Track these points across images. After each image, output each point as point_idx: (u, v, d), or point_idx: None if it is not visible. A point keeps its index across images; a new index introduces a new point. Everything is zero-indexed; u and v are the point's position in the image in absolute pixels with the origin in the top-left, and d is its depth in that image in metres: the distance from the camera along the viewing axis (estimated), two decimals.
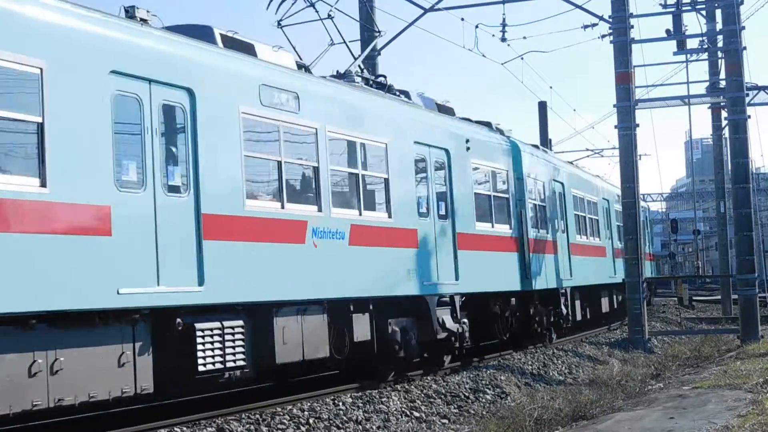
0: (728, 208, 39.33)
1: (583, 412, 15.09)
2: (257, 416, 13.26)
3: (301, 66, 16.59)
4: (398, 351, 17.27)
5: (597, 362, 23.35)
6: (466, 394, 16.90)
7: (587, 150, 57.44)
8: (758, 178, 74.97)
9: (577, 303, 29.09)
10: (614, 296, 35.52)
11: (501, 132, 24.43)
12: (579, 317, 29.21)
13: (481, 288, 20.50)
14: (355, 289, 15.99)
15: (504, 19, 30.31)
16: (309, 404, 14.30)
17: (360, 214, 16.29)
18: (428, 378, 18.03)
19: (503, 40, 30.53)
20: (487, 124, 24.09)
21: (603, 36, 29.49)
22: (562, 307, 26.74)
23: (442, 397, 16.45)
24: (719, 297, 46.39)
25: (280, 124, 14.47)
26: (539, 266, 24.41)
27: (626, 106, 27.06)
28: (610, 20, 27.21)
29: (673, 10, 28.61)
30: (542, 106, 52.53)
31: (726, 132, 32.96)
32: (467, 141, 20.53)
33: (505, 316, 22.77)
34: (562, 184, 28.37)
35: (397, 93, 19.73)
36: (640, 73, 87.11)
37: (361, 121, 16.82)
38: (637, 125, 27.27)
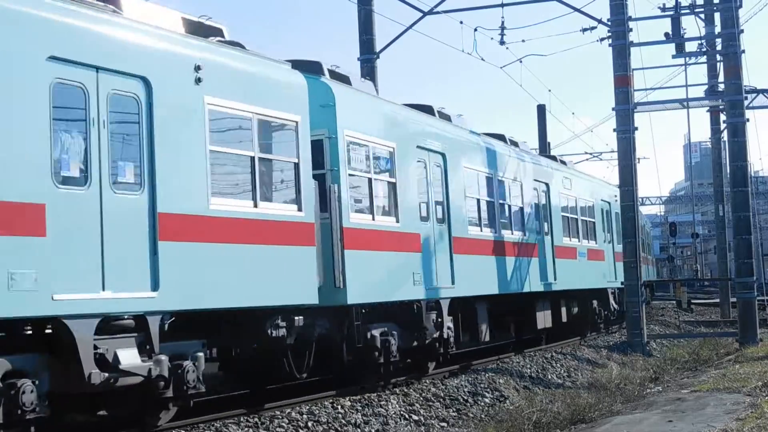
0: (727, 212, 39.37)
1: (582, 416, 15.09)
2: (256, 419, 13.26)
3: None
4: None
5: (596, 365, 23.36)
6: (465, 398, 16.90)
7: (586, 153, 57.38)
8: (757, 182, 74.97)
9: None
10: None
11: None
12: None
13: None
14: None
15: (503, 23, 30.36)
16: (308, 407, 14.30)
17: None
18: (427, 381, 18.03)
19: (502, 43, 30.58)
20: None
21: (602, 39, 29.57)
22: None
23: (441, 400, 16.44)
24: (718, 300, 46.40)
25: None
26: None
27: (625, 109, 27.08)
28: (609, 23, 27.24)
29: (671, 13, 28.66)
30: (541, 110, 52.59)
31: (725, 135, 32.96)
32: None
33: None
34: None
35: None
36: (639, 76, 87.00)
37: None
38: (636, 128, 27.30)
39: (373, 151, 16.90)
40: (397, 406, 15.33)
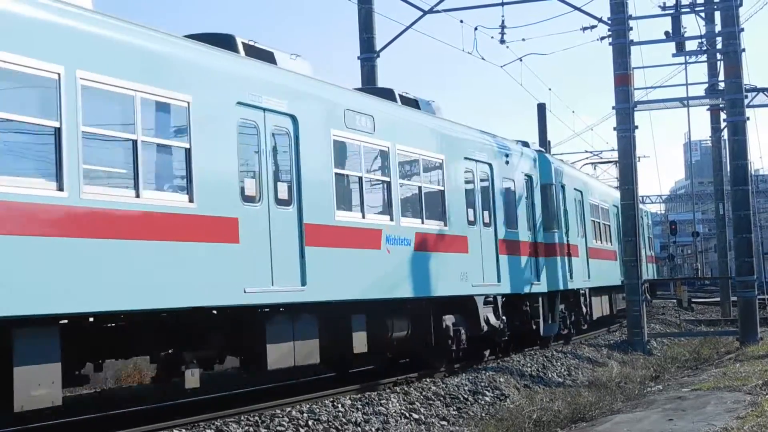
0: (727, 210, 39.39)
1: (582, 414, 15.10)
2: (256, 418, 13.26)
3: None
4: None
5: (596, 364, 23.37)
6: (465, 396, 16.90)
7: (586, 152, 57.37)
8: (757, 180, 75.01)
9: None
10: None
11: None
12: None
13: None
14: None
15: (503, 21, 30.33)
16: (308, 406, 14.30)
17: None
18: (427, 380, 18.04)
19: (502, 42, 30.55)
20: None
21: (602, 38, 29.54)
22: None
23: (441, 399, 16.45)
24: (718, 299, 46.42)
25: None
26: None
27: (625, 107, 27.08)
28: (609, 22, 27.25)
29: (672, 12, 28.67)
30: (541, 108, 52.53)
31: (725, 134, 32.98)
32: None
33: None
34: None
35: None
36: (639, 75, 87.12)
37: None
38: (636, 127, 27.30)
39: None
40: (397, 404, 15.34)
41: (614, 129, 27.62)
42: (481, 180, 20.97)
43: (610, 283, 32.68)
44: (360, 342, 16.35)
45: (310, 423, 13.45)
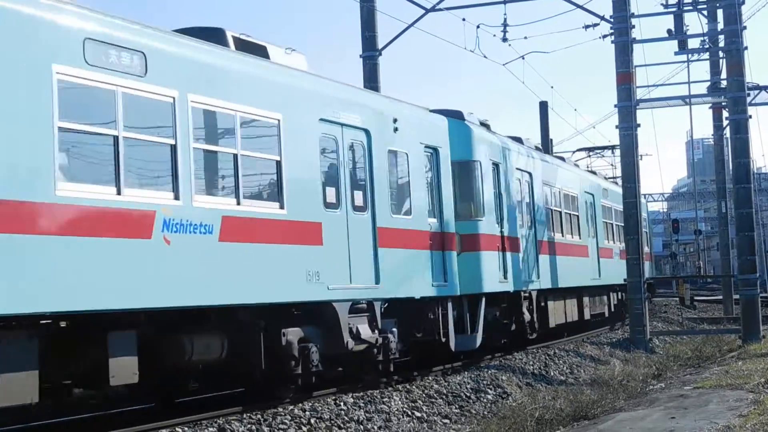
0: (729, 208, 39.40)
1: (585, 412, 15.10)
2: (259, 416, 13.27)
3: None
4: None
5: (598, 362, 23.36)
6: (468, 394, 16.91)
7: (587, 149, 57.32)
8: (759, 178, 74.97)
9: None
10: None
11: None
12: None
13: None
14: None
15: (505, 20, 30.33)
16: (310, 404, 14.31)
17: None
18: (429, 378, 18.05)
19: (504, 40, 30.54)
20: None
21: (604, 36, 29.52)
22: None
23: (444, 397, 16.45)
24: (721, 297, 46.38)
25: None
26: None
27: (627, 106, 27.07)
28: (612, 20, 27.22)
29: (674, 10, 28.64)
30: (543, 106, 52.55)
31: (727, 132, 32.97)
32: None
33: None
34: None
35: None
36: (642, 73, 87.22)
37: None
38: (639, 125, 27.29)
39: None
40: (399, 402, 15.34)
41: (616, 127, 27.61)
42: (351, 150, 16.24)
43: (580, 284, 28.97)
44: (124, 370, 11.67)
45: (312, 421, 13.45)
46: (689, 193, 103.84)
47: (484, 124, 23.62)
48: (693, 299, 48.45)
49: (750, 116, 27.96)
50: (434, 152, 19.01)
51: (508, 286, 22.10)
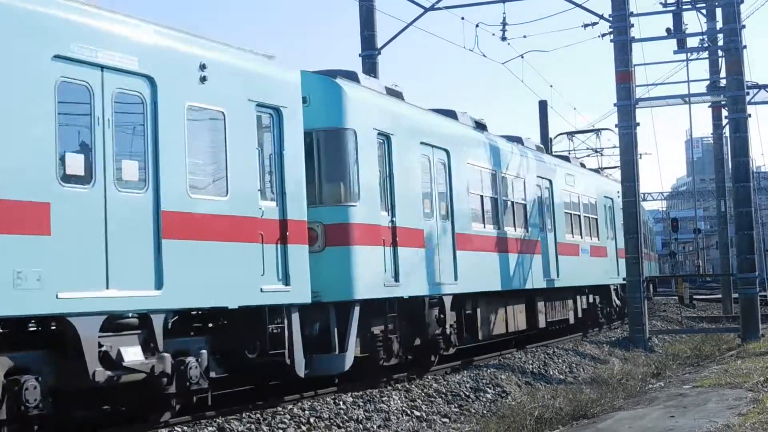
0: (729, 207, 39.36)
1: (584, 411, 15.10)
2: (258, 415, 13.27)
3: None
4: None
5: (597, 361, 23.36)
6: (467, 393, 16.91)
7: (588, 149, 57.26)
8: (759, 177, 74.94)
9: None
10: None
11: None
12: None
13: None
14: None
15: (504, 18, 30.38)
16: (310, 403, 14.31)
17: None
18: (429, 377, 18.04)
19: (503, 39, 30.58)
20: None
21: (603, 35, 29.54)
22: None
23: (443, 396, 16.45)
24: (720, 296, 46.38)
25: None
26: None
27: (627, 105, 27.06)
28: (611, 19, 27.22)
29: (673, 8, 28.65)
30: (542, 105, 52.50)
31: (726, 131, 32.97)
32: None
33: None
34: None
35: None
36: (641, 71, 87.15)
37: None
38: (638, 124, 27.29)
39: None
40: (398, 401, 15.34)
41: (616, 126, 27.64)
42: (122, 103, 11.82)
43: (524, 286, 23.80)
44: None
45: (311, 420, 13.45)
46: (688, 192, 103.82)
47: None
48: (692, 298, 48.48)
49: (749, 115, 27.95)
50: (275, 114, 14.53)
51: (401, 291, 17.22)
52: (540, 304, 25.30)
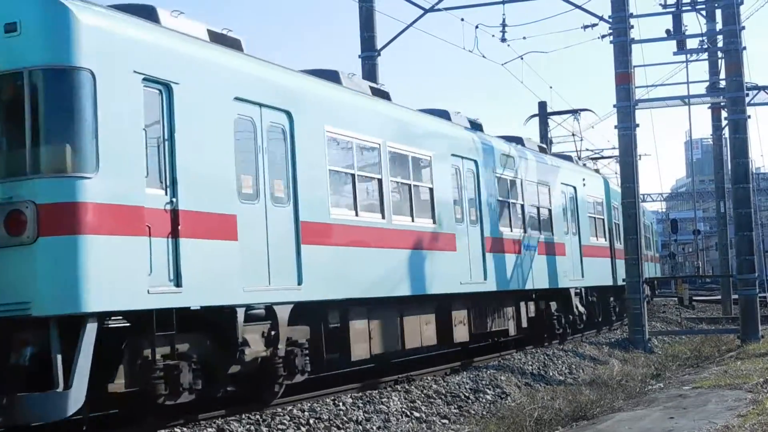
0: (728, 208, 39.36)
1: (584, 412, 15.10)
2: (257, 416, 13.27)
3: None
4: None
5: (597, 362, 23.36)
6: (467, 395, 16.91)
7: (587, 150, 57.26)
8: (758, 178, 75.01)
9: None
10: None
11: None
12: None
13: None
14: None
15: (504, 20, 30.38)
16: (309, 404, 14.31)
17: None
18: (428, 378, 18.04)
19: (503, 40, 30.59)
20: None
21: (603, 36, 29.61)
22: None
23: (443, 397, 16.45)
24: (719, 297, 46.41)
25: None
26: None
27: (626, 106, 27.07)
28: (610, 20, 27.23)
29: (673, 10, 28.63)
30: (542, 106, 52.50)
31: (726, 132, 32.96)
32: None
33: None
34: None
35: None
36: (640, 73, 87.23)
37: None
38: (637, 125, 27.30)
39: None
40: (398, 402, 15.34)
41: (615, 127, 27.63)
42: None
43: (428, 291, 18.45)
44: None
45: (311, 422, 13.45)
46: (688, 193, 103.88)
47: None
48: (692, 299, 48.47)
49: (749, 116, 27.98)
50: (158, 91, 12.08)
51: (182, 299, 12.18)
52: (460, 314, 20.27)
